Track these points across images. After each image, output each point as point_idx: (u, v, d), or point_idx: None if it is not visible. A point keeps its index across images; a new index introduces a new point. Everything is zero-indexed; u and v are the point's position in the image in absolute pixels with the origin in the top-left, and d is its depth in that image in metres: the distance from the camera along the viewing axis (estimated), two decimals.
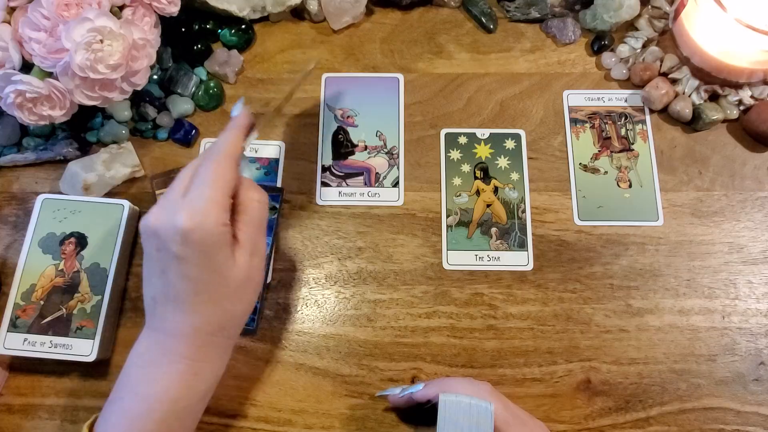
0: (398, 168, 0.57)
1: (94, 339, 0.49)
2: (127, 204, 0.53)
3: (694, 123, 0.58)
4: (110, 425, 0.41)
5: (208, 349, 0.41)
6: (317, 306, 0.53)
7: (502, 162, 0.58)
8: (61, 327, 0.49)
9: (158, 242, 0.39)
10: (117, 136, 0.57)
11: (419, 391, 0.45)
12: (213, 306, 0.40)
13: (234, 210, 0.41)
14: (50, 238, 0.51)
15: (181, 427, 0.41)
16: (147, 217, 0.40)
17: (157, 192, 0.56)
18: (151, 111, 0.58)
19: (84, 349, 0.49)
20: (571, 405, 0.50)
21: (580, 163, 0.58)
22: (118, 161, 0.56)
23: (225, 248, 0.39)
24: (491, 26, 0.62)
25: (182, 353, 0.40)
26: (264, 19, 0.63)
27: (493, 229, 0.55)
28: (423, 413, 0.48)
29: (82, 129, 0.58)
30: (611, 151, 0.58)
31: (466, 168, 0.57)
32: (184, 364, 0.40)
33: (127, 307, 0.53)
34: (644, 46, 0.60)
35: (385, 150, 0.58)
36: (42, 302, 0.50)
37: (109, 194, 0.56)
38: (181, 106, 0.58)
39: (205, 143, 0.58)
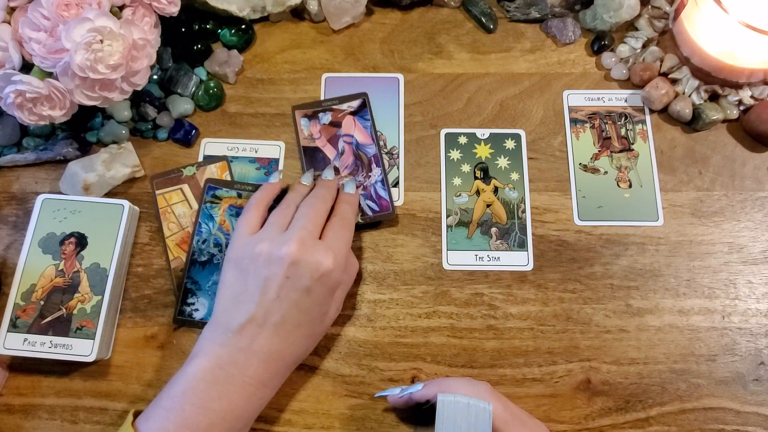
0: (398, 168, 0.57)
1: (94, 339, 0.49)
2: (127, 204, 0.53)
3: (694, 123, 0.58)
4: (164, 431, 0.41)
5: (279, 378, 0.45)
6: None
7: (502, 162, 0.58)
8: (61, 327, 0.49)
9: (293, 271, 0.43)
10: (117, 136, 0.57)
11: (418, 391, 0.45)
12: (305, 339, 0.45)
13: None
14: (50, 238, 0.51)
15: None
16: (286, 244, 0.44)
17: (157, 192, 0.56)
18: (151, 111, 0.58)
19: (84, 349, 0.49)
20: (571, 405, 0.50)
21: (580, 163, 0.58)
22: (118, 161, 0.56)
23: (338, 291, 0.47)
24: (491, 26, 0.62)
25: (258, 377, 0.43)
26: (264, 19, 0.63)
27: (493, 229, 0.55)
28: (422, 413, 0.48)
29: (82, 129, 0.58)
30: (611, 151, 0.58)
31: (466, 168, 0.57)
32: (255, 387, 0.43)
33: (127, 307, 0.53)
34: (644, 46, 0.60)
35: (385, 150, 0.58)
36: (42, 302, 0.50)
37: (109, 194, 0.56)
38: (181, 106, 0.58)
39: (205, 143, 0.58)
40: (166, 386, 0.43)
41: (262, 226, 0.48)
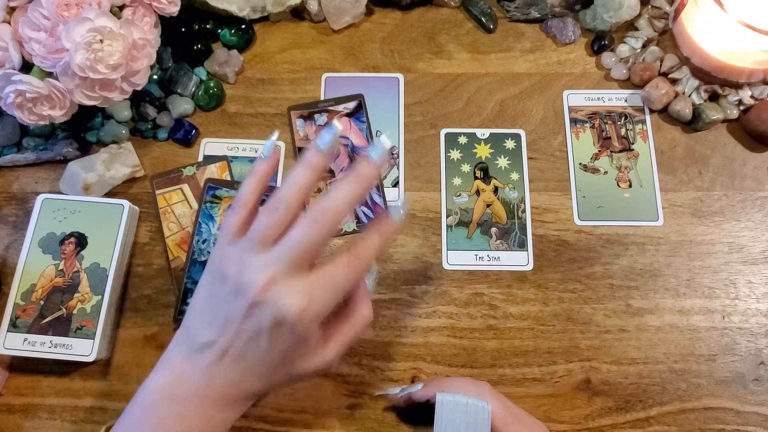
0: (398, 168, 0.57)
1: (94, 339, 0.49)
2: (127, 204, 0.53)
3: (694, 123, 0.58)
4: None
5: (240, 405, 0.41)
6: None
7: (502, 162, 0.58)
8: (61, 327, 0.49)
9: (254, 311, 0.37)
10: (117, 136, 0.57)
11: (418, 390, 0.45)
12: (267, 379, 0.40)
13: (340, 311, 0.41)
14: (50, 238, 0.51)
15: None
16: (253, 278, 0.37)
17: (157, 192, 0.56)
18: (151, 111, 0.58)
19: (84, 349, 0.49)
20: (571, 405, 0.50)
21: (580, 163, 0.58)
22: (118, 161, 0.56)
23: (313, 340, 0.39)
24: (491, 26, 0.62)
25: (216, 401, 0.39)
26: (264, 19, 0.63)
27: (493, 229, 0.55)
28: (422, 413, 0.48)
29: (82, 129, 0.58)
30: (611, 151, 0.58)
31: (466, 168, 0.57)
32: (215, 410, 0.40)
33: (127, 307, 0.53)
34: (644, 46, 0.60)
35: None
36: (42, 302, 0.50)
37: (109, 194, 0.56)
38: (181, 106, 0.58)
39: (205, 143, 0.58)
40: (133, 397, 0.40)
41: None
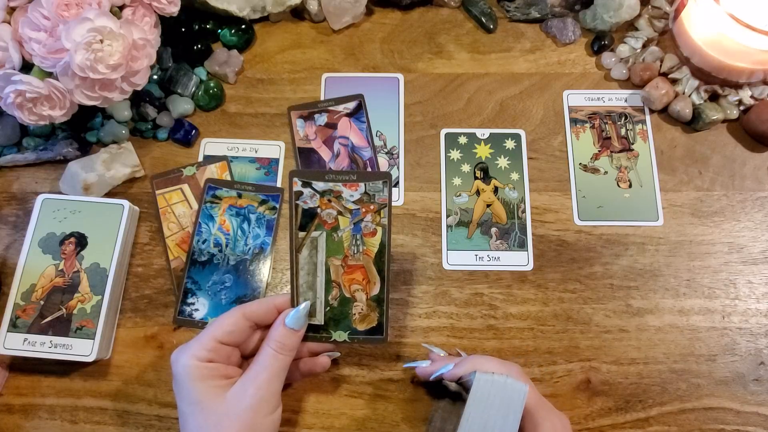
0: (398, 168, 0.57)
1: (94, 339, 0.49)
2: (127, 204, 0.53)
3: (694, 123, 0.58)
4: None
5: None
6: None
7: (502, 162, 0.58)
8: (61, 327, 0.49)
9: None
10: (117, 136, 0.57)
11: (450, 370, 0.45)
12: None
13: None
14: (50, 238, 0.51)
15: None
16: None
17: (157, 192, 0.56)
18: (151, 111, 0.58)
19: (84, 349, 0.49)
20: (571, 405, 0.50)
21: (580, 163, 0.58)
22: (118, 161, 0.56)
23: (203, 381, 0.40)
24: (491, 26, 0.62)
25: None
26: (264, 19, 0.63)
27: (493, 229, 0.55)
28: (441, 388, 0.49)
29: (82, 129, 0.58)
30: (611, 151, 0.58)
31: (466, 168, 0.57)
32: None
33: (127, 307, 0.53)
34: (644, 46, 0.60)
35: (385, 150, 0.58)
36: (42, 302, 0.50)
37: (109, 194, 0.56)
38: (181, 106, 0.58)
39: (205, 143, 0.58)
40: None
41: None
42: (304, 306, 0.43)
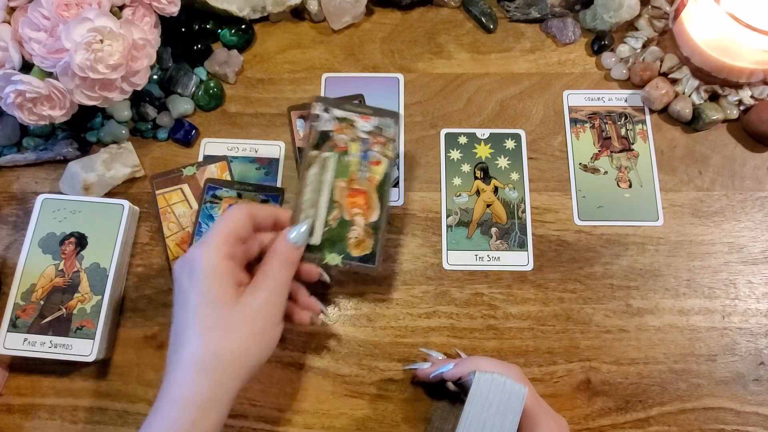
0: (398, 168, 0.57)
1: (94, 339, 0.49)
2: (127, 204, 0.53)
3: (694, 123, 0.58)
4: None
5: (202, 381, 0.39)
6: None
7: (502, 162, 0.58)
8: (61, 327, 0.49)
9: (174, 282, 0.42)
10: (117, 136, 0.57)
11: (450, 370, 0.45)
12: (205, 335, 0.39)
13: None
14: (50, 238, 0.51)
15: None
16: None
17: (157, 192, 0.56)
18: (151, 111, 0.58)
19: (84, 349, 0.49)
20: (571, 405, 0.50)
21: (580, 163, 0.58)
22: (118, 161, 0.56)
23: (224, 279, 0.41)
24: (491, 26, 0.62)
25: (179, 393, 0.38)
26: (264, 19, 0.63)
27: (493, 229, 0.55)
28: (440, 388, 0.49)
29: (82, 129, 0.58)
30: (611, 151, 0.58)
31: (466, 168, 0.57)
32: (179, 408, 0.38)
33: (127, 307, 0.53)
34: (644, 46, 0.60)
35: None
36: (42, 302, 0.50)
37: (109, 194, 0.56)
38: (181, 106, 0.58)
39: (205, 143, 0.58)
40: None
41: None
42: (307, 223, 0.45)
